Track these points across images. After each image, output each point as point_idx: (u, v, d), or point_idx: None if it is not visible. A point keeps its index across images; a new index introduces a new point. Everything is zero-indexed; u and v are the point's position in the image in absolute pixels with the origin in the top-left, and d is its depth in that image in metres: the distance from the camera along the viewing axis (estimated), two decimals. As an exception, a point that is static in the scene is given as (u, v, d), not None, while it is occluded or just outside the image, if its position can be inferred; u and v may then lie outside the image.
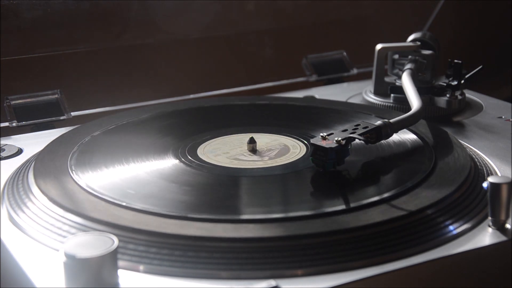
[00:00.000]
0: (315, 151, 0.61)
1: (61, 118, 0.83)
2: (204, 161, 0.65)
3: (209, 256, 0.50)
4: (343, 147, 0.61)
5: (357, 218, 0.53)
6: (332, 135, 0.62)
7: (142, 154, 0.67)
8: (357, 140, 0.62)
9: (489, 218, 0.55)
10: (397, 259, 0.50)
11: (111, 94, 0.95)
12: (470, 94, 0.88)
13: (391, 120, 0.65)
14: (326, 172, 0.61)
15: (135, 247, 0.51)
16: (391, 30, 1.11)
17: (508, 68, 1.28)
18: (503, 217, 0.54)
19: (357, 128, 0.64)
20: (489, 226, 0.55)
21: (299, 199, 0.58)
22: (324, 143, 0.61)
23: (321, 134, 0.62)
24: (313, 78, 1.00)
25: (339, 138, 0.61)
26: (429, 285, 0.51)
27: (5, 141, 0.76)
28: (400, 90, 0.80)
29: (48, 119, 0.82)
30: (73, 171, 0.62)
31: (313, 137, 0.63)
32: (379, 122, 0.64)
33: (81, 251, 0.46)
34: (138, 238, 0.51)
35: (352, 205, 0.55)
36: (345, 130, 0.63)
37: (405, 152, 0.67)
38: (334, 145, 0.61)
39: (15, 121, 0.81)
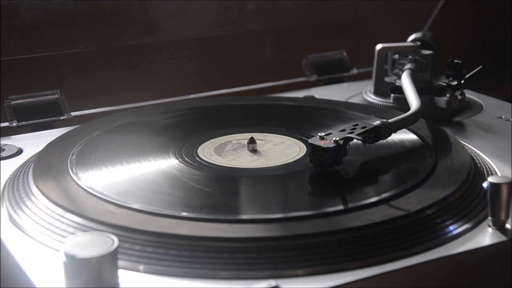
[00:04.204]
0: (313, 151, 0.61)
1: (61, 118, 0.83)
2: (204, 161, 0.65)
3: (209, 256, 0.50)
4: (341, 147, 0.61)
5: (357, 218, 0.53)
6: (330, 135, 0.62)
7: (142, 154, 0.67)
8: (356, 140, 0.62)
9: (489, 218, 0.55)
10: (397, 259, 0.50)
11: (111, 94, 0.95)
12: (470, 94, 0.88)
13: (390, 120, 0.65)
14: (324, 172, 0.61)
15: (135, 247, 0.51)
16: (391, 30, 1.11)
17: (508, 68, 1.28)
18: (503, 217, 0.54)
19: (356, 128, 0.64)
20: (489, 226, 0.55)
21: (299, 198, 0.58)
22: (322, 143, 0.61)
23: (319, 133, 0.62)
24: (313, 78, 1.00)
25: (337, 138, 0.61)
26: (429, 285, 0.51)
27: (5, 141, 0.76)
28: (400, 90, 0.80)
29: (48, 119, 0.82)
30: (73, 171, 0.62)
31: (312, 137, 0.63)
32: (377, 122, 0.64)
33: (81, 251, 0.46)
34: (138, 238, 0.51)
35: (352, 205, 0.55)
36: (343, 130, 0.63)
37: (405, 152, 0.67)
38: (332, 145, 0.61)
39: (15, 121, 0.81)
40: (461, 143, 0.69)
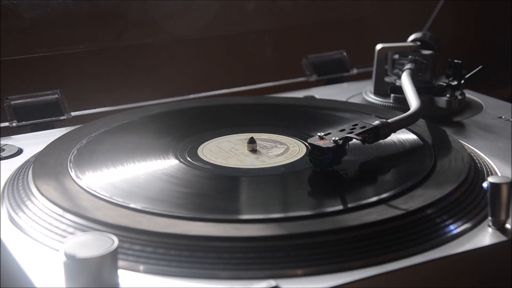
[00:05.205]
0: (312, 151, 0.61)
1: (61, 118, 0.83)
2: (204, 161, 0.65)
3: (209, 256, 0.50)
4: (340, 147, 0.61)
5: (357, 217, 0.53)
6: (329, 135, 0.62)
7: (142, 154, 0.67)
8: (355, 140, 0.62)
9: (489, 218, 0.55)
10: (397, 259, 0.50)
11: (111, 94, 0.95)
12: (470, 94, 0.88)
13: (389, 120, 0.65)
14: (323, 172, 0.61)
15: (135, 247, 0.51)
16: (391, 30, 1.11)
17: (508, 68, 1.28)
18: (503, 217, 0.54)
19: (355, 128, 0.64)
20: (489, 226, 0.55)
21: (299, 198, 0.58)
22: (321, 143, 0.61)
23: (319, 133, 0.62)
24: (313, 78, 1.00)
25: (336, 138, 0.61)
26: (429, 285, 0.51)
27: (5, 141, 0.76)
28: (400, 90, 0.80)
29: (48, 119, 0.82)
30: (73, 171, 0.62)
31: (312, 137, 0.63)
32: (377, 122, 0.64)
33: (81, 251, 0.46)
34: (138, 238, 0.51)
35: (352, 204, 0.55)
36: (342, 130, 0.63)
37: (405, 152, 0.67)
38: (331, 144, 0.61)
39: (15, 121, 0.81)
40: (461, 143, 0.69)
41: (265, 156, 0.66)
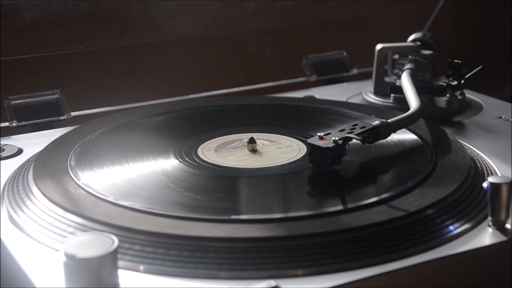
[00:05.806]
0: (312, 151, 0.61)
1: (61, 118, 0.83)
2: (204, 161, 0.65)
3: (209, 256, 0.50)
4: (340, 147, 0.61)
5: (357, 218, 0.53)
6: (329, 135, 0.62)
7: (142, 154, 0.67)
8: (355, 140, 0.62)
9: (489, 218, 0.55)
10: (397, 259, 0.50)
11: (111, 94, 0.95)
12: (470, 94, 0.88)
13: (389, 120, 0.65)
14: (323, 172, 0.61)
15: (135, 247, 0.51)
16: (391, 30, 1.11)
17: (508, 68, 1.28)
18: (503, 217, 0.54)
19: (355, 128, 0.64)
20: (489, 226, 0.55)
21: (299, 199, 0.58)
22: (321, 143, 0.61)
23: (318, 133, 0.62)
24: (313, 78, 1.00)
25: (336, 138, 0.61)
26: (429, 285, 0.51)
27: (5, 141, 0.76)
28: (400, 90, 0.80)
29: (48, 119, 0.82)
30: (73, 171, 0.62)
31: (312, 137, 0.63)
32: (376, 122, 0.64)
33: (81, 251, 0.46)
34: (138, 238, 0.51)
35: (352, 205, 0.55)
36: (342, 130, 0.63)
37: (405, 152, 0.67)
38: (331, 144, 0.61)
39: (15, 121, 0.81)
40: (461, 143, 0.69)
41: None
